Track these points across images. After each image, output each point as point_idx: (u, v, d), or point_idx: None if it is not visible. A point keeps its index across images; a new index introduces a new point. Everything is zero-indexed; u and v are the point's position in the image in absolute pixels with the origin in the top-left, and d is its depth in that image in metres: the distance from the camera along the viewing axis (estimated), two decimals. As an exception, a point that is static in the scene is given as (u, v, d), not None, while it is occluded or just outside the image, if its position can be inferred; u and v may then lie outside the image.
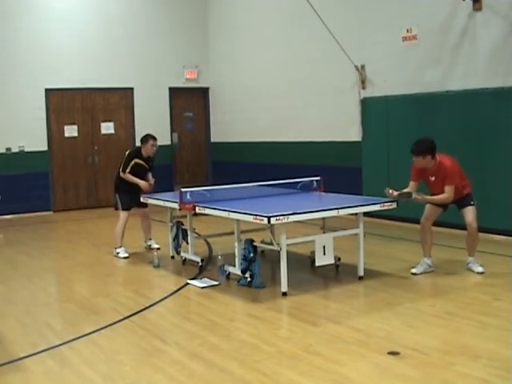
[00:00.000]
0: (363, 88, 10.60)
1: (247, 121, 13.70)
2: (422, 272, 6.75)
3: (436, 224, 9.27)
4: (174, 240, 7.94)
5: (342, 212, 6.44)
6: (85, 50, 13.29)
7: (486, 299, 5.79)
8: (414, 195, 6.56)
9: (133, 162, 8.47)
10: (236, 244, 6.65)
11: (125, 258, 8.37)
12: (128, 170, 8.44)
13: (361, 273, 6.74)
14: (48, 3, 12.98)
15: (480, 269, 6.65)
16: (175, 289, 6.63)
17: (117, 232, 8.54)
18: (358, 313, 5.64)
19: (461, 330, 5.08)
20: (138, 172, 8.50)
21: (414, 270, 6.77)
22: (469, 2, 8.63)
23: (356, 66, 10.56)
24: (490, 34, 8.55)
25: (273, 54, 12.77)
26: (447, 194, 6.53)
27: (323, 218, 7.00)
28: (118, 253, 8.47)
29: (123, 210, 8.55)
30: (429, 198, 6.69)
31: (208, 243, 8.72)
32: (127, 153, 8.74)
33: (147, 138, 8.61)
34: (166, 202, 7.69)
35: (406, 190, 6.61)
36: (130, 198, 8.50)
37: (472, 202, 6.70)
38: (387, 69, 10.16)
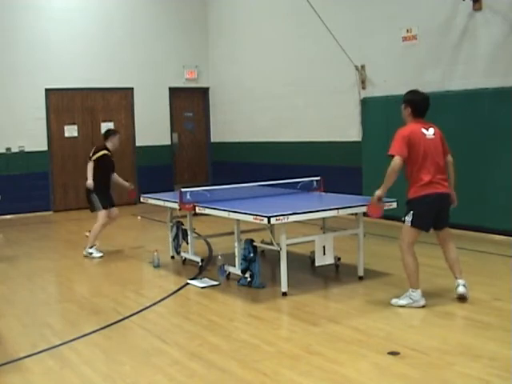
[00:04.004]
0: (363, 88, 10.61)
1: (247, 121, 13.70)
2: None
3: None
4: (173, 240, 7.94)
5: (342, 212, 6.44)
6: (85, 49, 13.30)
7: (486, 299, 5.79)
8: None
9: (102, 153, 8.50)
10: (236, 244, 6.65)
11: (100, 257, 8.45)
12: (95, 157, 8.45)
13: (361, 273, 6.74)
14: (48, 3, 12.98)
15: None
16: (175, 289, 6.63)
17: (95, 232, 8.52)
18: (357, 313, 5.64)
19: (461, 330, 5.08)
20: (107, 167, 8.55)
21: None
22: (469, 1, 8.64)
23: (356, 66, 10.57)
24: (490, 34, 8.55)
25: (273, 54, 12.78)
26: (390, 166, 5.49)
27: (323, 218, 7.01)
28: (91, 253, 8.48)
29: (104, 209, 8.54)
30: (382, 186, 5.61)
31: (208, 243, 8.72)
32: (94, 148, 8.73)
33: (115, 131, 8.92)
34: (166, 201, 7.69)
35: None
36: (106, 196, 8.57)
37: (402, 218, 5.62)
38: (387, 69, 10.16)
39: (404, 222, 5.61)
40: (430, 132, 5.64)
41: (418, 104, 5.68)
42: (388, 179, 5.52)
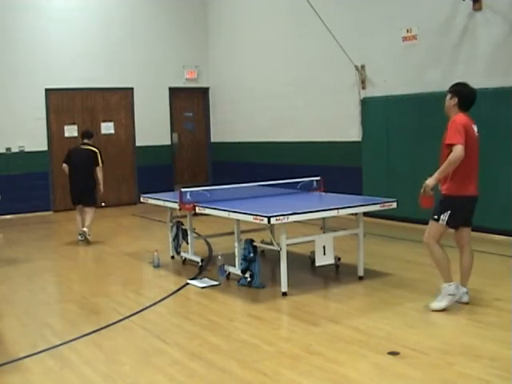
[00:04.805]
0: (363, 88, 10.60)
1: (247, 121, 13.70)
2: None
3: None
4: (173, 240, 7.94)
5: (342, 212, 6.43)
6: (85, 49, 13.30)
7: (485, 299, 5.79)
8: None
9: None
10: (236, 244, 6.65)
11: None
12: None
13: (361, 273, 6.74)
14: (48, 3, 12.97)
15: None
16: (175, 289, 6.63)
17: (93, 221, 9.59)
18: (358, 313, 5.64)
19: (461, 329, 5.08)
20: None
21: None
22: (469, 1, 8.64)
23: (356, 66, 10.57)
24: (490, 34, 8.55)
25: (273, 54, 12.77)
26: (452, 154, 5.21)
27: (323, 218, 7.00)
28: (89, 234, 9.49)
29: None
30: (435, 175, 5.36)
31: (208, 243, 8.72)
32: (95, 149, 9.61)
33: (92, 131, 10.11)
34: (166, 201, 7.69)
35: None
36: None
37: (435, 216, 5.46)
38: (387, 69, 10.16)
39: (438, 220, 5.41)
40: (475, 129, 5.50)
41: (466, 96, 5.47)
42: (446, 169, 5.26)
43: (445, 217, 5.40)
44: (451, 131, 5.30)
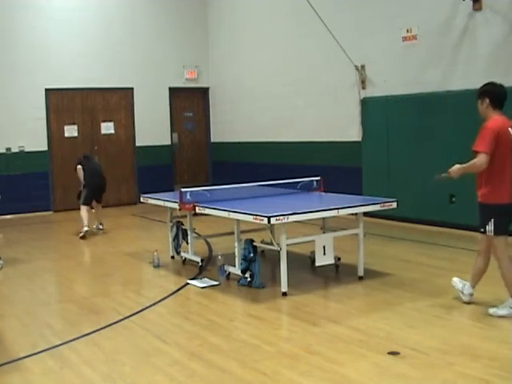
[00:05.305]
0: (363, 88, 10.60)
1: (247, 121, 13.70)
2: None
3: (437, 224, 9.29)
4: (173, 240, 7.94)
5: (342, 212, 6.43)
6: (85, 49, 13.30)
7: (486, 299, 5.78)
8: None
9: None
10: (236, 244, 6.65)
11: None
12: None
13: (361, 273, 6.74)
14: (48, 3, 12.98)
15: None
16: (175, 289, 6.63)
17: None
18: (358, 313, 5.64)
19: (461, 330, 5.07)
20: None
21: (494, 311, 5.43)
22: (469, 1, 8.64)
23: (356, 66, 10.57)
24: (490, 34, 8.56)
25: (273, 54, 12.77)
26: (475, 159, 5.17)
27: (323, 218, 7.00)
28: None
29: None
30: (461, 166, 5.36)
31: (208, 243, 8.72)
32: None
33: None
34: (166, 201, 7.69)
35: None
36: None
37: (482, 229, 5.33)
38: (387, 69, 10.16)
39: (485, 232, 5.29)
40: None
41: (496, 94, 5.31)
42: (468, 169, 5.28)
43: (490, 227, 5.26)
44: (479, 137, 5.20)
